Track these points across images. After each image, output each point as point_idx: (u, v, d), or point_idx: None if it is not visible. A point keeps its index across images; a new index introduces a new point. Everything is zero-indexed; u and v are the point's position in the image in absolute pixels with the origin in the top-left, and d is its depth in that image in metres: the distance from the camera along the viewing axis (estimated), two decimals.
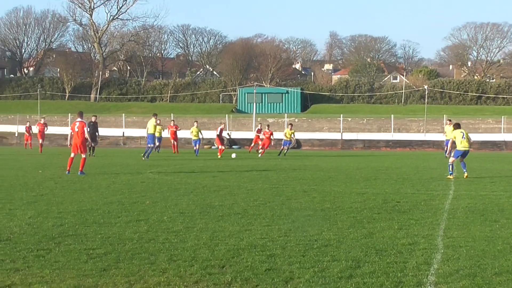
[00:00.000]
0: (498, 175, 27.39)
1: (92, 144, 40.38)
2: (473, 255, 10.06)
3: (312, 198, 17.57)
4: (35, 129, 54.16)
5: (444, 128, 44.41)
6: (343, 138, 68.54)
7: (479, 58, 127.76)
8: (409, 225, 12.89)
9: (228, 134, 57.71)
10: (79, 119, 25.84)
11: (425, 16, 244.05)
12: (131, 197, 17.35)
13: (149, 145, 38.96)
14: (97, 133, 41.23)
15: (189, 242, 10.97)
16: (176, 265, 9.32)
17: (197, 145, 44.30)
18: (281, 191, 19.26)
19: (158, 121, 42.56)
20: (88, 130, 40.53)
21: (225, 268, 9.22)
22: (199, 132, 44.97)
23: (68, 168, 25.54)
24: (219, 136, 44.41)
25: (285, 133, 45.11)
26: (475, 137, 69.05)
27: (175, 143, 47.73)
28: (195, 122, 46.36)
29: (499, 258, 9.92)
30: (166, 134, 51.02)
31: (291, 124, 48.42)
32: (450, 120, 44.70)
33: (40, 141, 48.62)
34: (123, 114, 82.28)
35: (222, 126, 46.24)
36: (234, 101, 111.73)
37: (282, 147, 44.99)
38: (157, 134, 54.47)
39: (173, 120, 53.01)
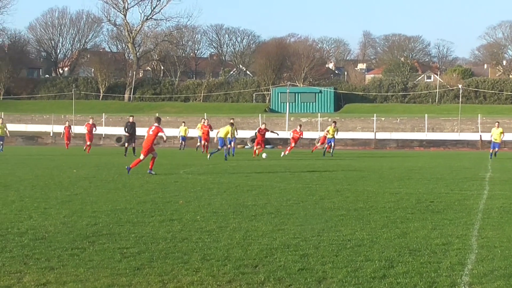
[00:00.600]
0: None
1: (133, 145, 40.83)
2: (508, 256, 9.96)
3: (345, 197, 17.52)
4: (75, 130, 54.41)
5: (491, 130, 43.16)
6: (376, 137, 68.33)
7: None
8: (443, 225, 12.80)
9: None
10: (156, 124, 26.18)
11: (459, 15, 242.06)
12: (165, 197, 17.43)
13: (219, 147, 38.60)
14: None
15: (222, 242, 10.99)
16: (209, 265, 9.33)
17: (232, 143, 43.13)
18: (314, 191, 19.22)
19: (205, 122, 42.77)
20: (126, 130, 41.18)
21: (258, 267, 9.21)
22: (235, 131, 43.86)
23: (131, 165, 25.61)
24: (262, 136, 43.02)
25: (328, 131, 43.81)
26: (510, 137, 68.67)
27: (206, 143, 46.02)
28: (231, 120, 45.07)
29: None
30: (195, 133, 51.21)
31: (335, 122, 46.49)
32: (498, 122, 43.61)
33: (88, 142, 47.40)
34: (157, 114, 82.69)
35: (263, 126, 44.59)
36: (267, 101, 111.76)
37: (326, 144, 43.84)
38: (182, 133, 54.47)
39: (207, 119, 50.27)
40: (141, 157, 25.88)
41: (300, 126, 45.57)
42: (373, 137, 68.08)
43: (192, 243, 10.83)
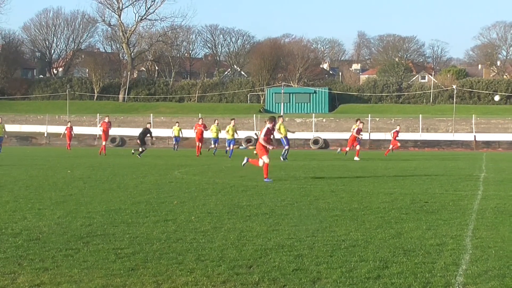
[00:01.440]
0: None
1: (145, 148, 41.22)
2: (502, 256, 9.97)
3: (340, 198, 17.53)
4: (76, 130, 54.11)
5: None
6: (371, 138, 68.35)
7: (508, 57, 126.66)
8: (437, 226, 12.81)
9: (256, 134, 57.70)
10: (268, 125, 23.83)
11: (454, 15, 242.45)
12: (159, 197, 17.41)
13: (286, 147, 38.37)
14: (146, 138, 41.99)
15: (217, 242, 10.98)
16: (203, 265, 9.32)
17: (231, 145, 42.07)
18: (308, 191, 19.22)
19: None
20: (142, 135, 41.40)
21: (252, 268, 9.21)
22: (235, 132, 42.92)
23: (251, 160, 24.41)
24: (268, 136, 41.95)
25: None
26: (504, 137, 68.92)
27: (200, 144, 44.82)
28: (232, 121, 43.84)
29: None
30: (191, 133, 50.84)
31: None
32: None
33: (104, 142, 44.85)
34: (151, 114, 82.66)
35: (270, 125, 43.27)
36: (261, 101, 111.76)
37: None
38: (175, 134, 54.05)
39: (201, 118, 49.04)
40: (265, 160, 23.07)
41: (399, 126, 42.85)
42: (368, 138, 68.10)
43: (187, 244, 10.82)
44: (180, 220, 13.36)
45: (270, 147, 23.49)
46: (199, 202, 16.32)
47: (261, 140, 23.39)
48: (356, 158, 38.27)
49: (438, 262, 9.58)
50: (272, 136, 24.12)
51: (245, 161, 25.04)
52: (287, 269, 9.13)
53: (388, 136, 70.44)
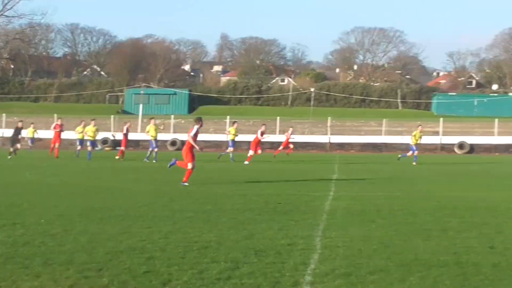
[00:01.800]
0: (377, 176, 28.08)
1: (16, 146, 40.17)
2: (349, 255, 10.26)
3: (195, 199, 17.54)
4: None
5: (412, 133, 40.44)
6: (228, 139, 68.76)
7: (364, 61, 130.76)
8: (289, 226, 13.02)
9: (112, 135, 56.94)
10: (197, 125, 23.06)
11: (315, 20, 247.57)
12: (7, 200, 16.82)
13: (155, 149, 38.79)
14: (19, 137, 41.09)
15: (67, 246, 10.73)
16: (51, 269, 9.09)
17: (93, 147, 41.68)
18: (164, 193, 19.14)
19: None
20: (15, 134, 40.29)
21: (102, 271, 9.06)
22: (96, 132, 42.60)
23: (178, 163, 23.24)
24: (126, 136, 42.19)
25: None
26: (356, 139, 71.17)
27: (57, 145, 42.92)
28: (92, 121, 42.94)
29: (374, 257, 10.15)
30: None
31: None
32: (420, 125, 41.21)
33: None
34: (4, 114, 79.95)
35: (128, 124, 43.78)
36: (120, 102, 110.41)
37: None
38: (30, 135, 52.75)
39: (60, 119, 47.12)
40: (189, 166, 22.50)
41: (292, 129, 44.14)
42: (226, 139, 68.53)
43: (35, 247, 10.52)
44: (28, 223, 12.97)
45: (198, 148, 22.94)
46: (50, 204, 15.92)
47: (190, 140, 22.65)
48: (246, 162, 38.64)
49: (288, 262, 9.73)
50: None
51: (173, 161, 23.89)
52: (137, 271, 9.05)
53: (246, 138, 71.24)
